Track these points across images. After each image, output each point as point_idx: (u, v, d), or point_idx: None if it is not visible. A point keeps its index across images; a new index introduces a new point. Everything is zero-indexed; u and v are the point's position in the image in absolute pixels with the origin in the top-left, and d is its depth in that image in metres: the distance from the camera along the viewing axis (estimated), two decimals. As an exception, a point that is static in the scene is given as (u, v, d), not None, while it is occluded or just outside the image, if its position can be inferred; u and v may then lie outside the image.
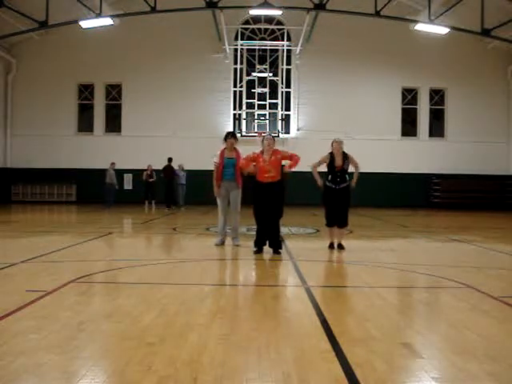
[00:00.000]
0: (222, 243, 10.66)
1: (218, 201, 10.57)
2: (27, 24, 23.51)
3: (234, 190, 10.42)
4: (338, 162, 10.15)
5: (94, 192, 27.86)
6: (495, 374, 3.58)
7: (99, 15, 22.45)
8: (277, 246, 9.53)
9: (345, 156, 10.22)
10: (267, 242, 9.63)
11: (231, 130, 29.37)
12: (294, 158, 9.64)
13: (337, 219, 10.31)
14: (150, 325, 4.72)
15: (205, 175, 27.34)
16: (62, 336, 4.33)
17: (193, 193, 27.95)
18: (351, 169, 10.36)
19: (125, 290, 6.46)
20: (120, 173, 26.34)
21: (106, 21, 23.08)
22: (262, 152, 9.73)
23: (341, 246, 10.32)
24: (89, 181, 28.39)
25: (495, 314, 5.38)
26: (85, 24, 23.19)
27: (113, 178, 24.06)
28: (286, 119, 29.87)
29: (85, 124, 30.21)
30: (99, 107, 30.11)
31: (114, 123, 30.17)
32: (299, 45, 28.71)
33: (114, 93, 30.18)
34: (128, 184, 27.87)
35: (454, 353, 4.07)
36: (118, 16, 23.88)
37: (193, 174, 28.18)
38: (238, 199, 10.48)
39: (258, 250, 9.53)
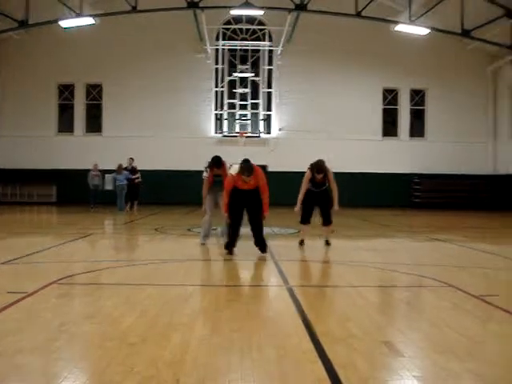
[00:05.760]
0: (205, 239, 10.79)
1: (206, 201, 10.67)
2: (6, 23, 23.29)
3: (221, 192, 10.47)
4: (318, 178, 10.43)
5: (74, 193, 27.67)
6: (477, 373, 3.61)
7: (79, 15, 22.33)
8: (262, 245, 9.47)
9: (325, 174, 10.47)
10: (254, 241, 9.56)
11: (213, 131, 29.39)
12: (264, 202, 9.34)
13: (321, 218, 10.74)
14: (131, 325, 4.70)
15: (186, 176, 27.53)
16: (43, 337, 4.30)
17: (174, 193, 27.94)
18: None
19: (106, 291, 6.43)
20: (101, 173, 26.08)
21: (87, 20, 22.95)
22: (240, 172, 9.28)
23: (327, 242, 10.82)
24: (69, 182, 28.17)
25: (477, 313, 5.42)
26: (65, 23, 23.05)
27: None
28: (268, 119, 29.89)
29: (65, 124, 29.97)
30: (79, 107, 29.90)
31: (94, 123, 29.96)
32: (280, 45, 28.75)
33: (94, 93, 29.99)
34: (109, 185, 27.63)
35: (436, 351, 4.10)
36: (98, 15, 23.75)
37: (174, 175, 28.21)
38: None
39: (230, 252, 9.40)
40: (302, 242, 10.85)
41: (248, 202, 9.35)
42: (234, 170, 9.34)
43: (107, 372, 3.55)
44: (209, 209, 10.74)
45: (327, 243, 10.80)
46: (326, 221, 10.74)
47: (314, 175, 10.38)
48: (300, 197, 10.54)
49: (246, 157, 9.38)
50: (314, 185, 10.48)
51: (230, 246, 9.47)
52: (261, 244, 9.50)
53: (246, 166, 9.09)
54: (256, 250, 9.47)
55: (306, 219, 10.80)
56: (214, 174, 10.55)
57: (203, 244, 10.74)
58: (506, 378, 3.56)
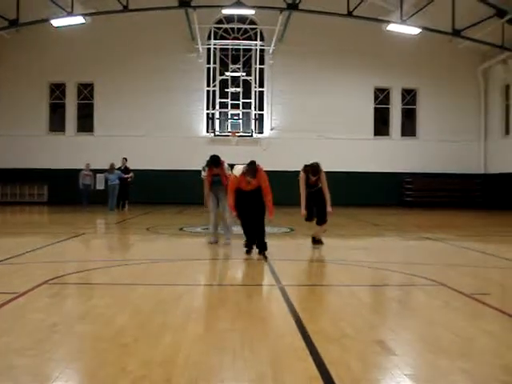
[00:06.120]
0: (216, 242, 10.79)
1: (210, 203, 10.73)
2: (-3, 22, 23.21)
3: (222, 192, 10.48)
4: (312, 180, 10.46)
5: (65, 192, 27.57)
6: (468, 371, 3.62)
7: (71, 14, 22.24)
8: (262, 247, 9.45)
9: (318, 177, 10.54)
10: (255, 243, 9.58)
11: (204, 130, 29.36)
12: (268, 203, 9.36)
13: (316, 216, 10.72)
14: (123, 326, 4.69)
15: (178, 175, 27.51)
16: (35, 338, 4.28)
17: (166, 193, 27.90)
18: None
19: (98, 290, 6.41)
20: (93, 173, 26.00)
21: (78, 19, 22.88)
22: (244, 174, 9.29)
23: (319, 241, 10.77)
24: (61, 181, 28.06)
25: (467, 311, 5.45)
26: (56, 22, 22.98)
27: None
28: (260, 119, 29.88)
29: (56, 124, 29.85)
30: (71, 107, 29.78)
31: (86, 123, 29.85)
32: (272, 44, 28.75)
33: (85, 92, 29.89)
34: (100, 184, 27.50)
35: (427, 350, 4.11)
36: (89, 14, 23.69)
37: (165, 174, 28.17)
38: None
39: (248, 251, 9.50)
40: (316, 240, 10.78)
41: (250, 202, 9.36)
42: (237, 171, 9.33)
43: (99, 372, 3.54)
44: (212, 209, 10.78)
45: (320, 242, 10.78)
46: (322, 220, 10.70)
47: (309, 177, 10.41)
48: (303, 200, 10.45)
49: (240, 158, 9.38)
50: (307, 185, 10.52)
51: (249, 245, 9.56)
52: (261, 246, 9.46)
53: (251, 169, 9.13)
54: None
55: (310, 216, 10.68)
56: (212, 174, 10.56)
57: (212, 243, 10.76)
58: (496, 377, 3.57)
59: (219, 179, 10.45)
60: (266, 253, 9.32)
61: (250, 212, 9.46)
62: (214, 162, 10.51)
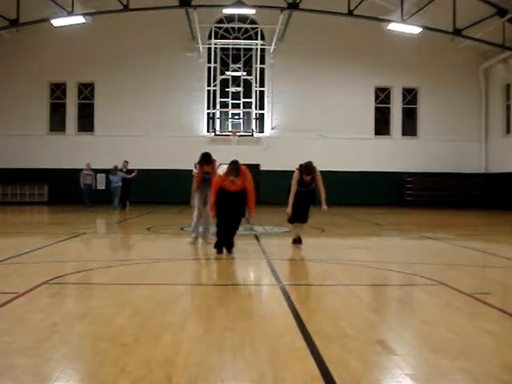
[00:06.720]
0: (195, 240, 10.72)
1: (195, 201, 10.66)
2: (-2, 22, 23.21)
3: (210, 192, 10.46)
4: (306, 179, 10.49)
5: (66, 192, 27.57)
6: (468, 370, 3.61)
7: (71, 13, 22.24)
8: (231, 246, 9.42)
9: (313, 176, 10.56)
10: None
11: (205, 130, 29.35)
12: (251, 202, 9.31)
13: (300, 216, 10.77)
14: (123, 325, 4.69)
15: (178, 175, 27.48)
16: (35, 338, 4.28)
17: (167, 192, 27.89)
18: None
19: (98, 290, 6.41)
20: (94, 173, 25.98)
21: (78, 19, 22.88)
22: (227, 173, 9.21)
23: (299, 240, 10.77)
24: (61, 181, 28.07)
25: (468, 311, 5.44)
26: (56, 22, 22.98)
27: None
28: (260, 118, 29.86)
29: (57, 123, 29.85)
30: (71, 106, 29.78)
31: (86, 123, 29.86)
32: (273, 44, 28.75)
33: (86, 92, 29.89)
34: (101, 184, 27.50)
35: (428, 349, 4.11)
36: (90, 14, 23.70)
37: (166, 174, 28.16)
38: None
39: (219, 251, 9.40)
40: (296, 241, 10.79)
41: (233, 203, 9.30)
42: (221, 170, 9.32)
43: (100, 372, 3.54)
44: (198, 209, 10.72)
45: (299, 241, 10.73)
46: (305, 219, 10.79)
47: (302, 176, 10.43)
48: (291, 198, 10.51)
49: (235, 158, 9.33)
50: (300, 185, 10.55)
51: (219, 246, 9.46)
52: (229, 244, 9.43)
53: (234, 167, 9.08)
54: (248, 249, 9.47)
55: (294, 218, 10.77)
56: (203, 172, 10.51)
57: (193, 243, 10.69)
58: (496, 376, 3.57)
59: (210, 177, 10.37)
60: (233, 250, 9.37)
61: (230, 213, 9.35)
62: (206, 158, 10.45)
